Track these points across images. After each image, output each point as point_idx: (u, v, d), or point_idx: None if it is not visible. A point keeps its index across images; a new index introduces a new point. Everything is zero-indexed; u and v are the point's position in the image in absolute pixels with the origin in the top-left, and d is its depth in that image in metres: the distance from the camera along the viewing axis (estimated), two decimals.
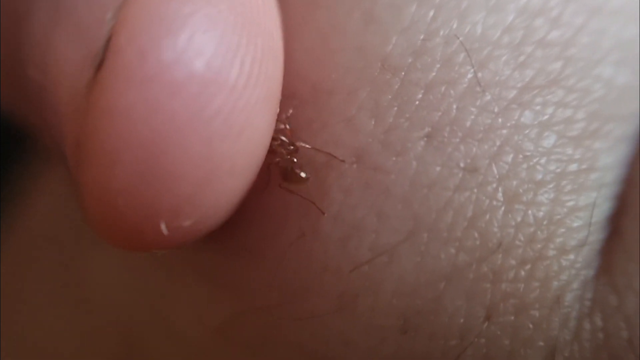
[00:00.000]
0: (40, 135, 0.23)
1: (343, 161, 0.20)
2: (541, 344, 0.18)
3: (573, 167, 0.19)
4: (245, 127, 0.18)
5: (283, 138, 0.20)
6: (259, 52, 0.18)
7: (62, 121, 0.19)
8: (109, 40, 0.17)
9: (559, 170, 0.19)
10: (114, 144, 0.17)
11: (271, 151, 0.20)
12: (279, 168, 0.20)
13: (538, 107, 0.19)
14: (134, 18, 0.17)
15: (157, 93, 0.17)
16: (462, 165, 0.19)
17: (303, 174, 0.20)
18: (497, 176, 0.19)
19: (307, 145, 0.20)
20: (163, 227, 0.17)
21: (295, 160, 0.20)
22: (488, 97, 0.19)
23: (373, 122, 0.19)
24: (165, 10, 0.17)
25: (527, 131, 0.19)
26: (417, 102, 0.19)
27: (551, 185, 0.19)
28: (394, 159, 0.19)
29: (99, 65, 0.17)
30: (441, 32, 0.19)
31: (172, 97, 0.17)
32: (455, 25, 0.20)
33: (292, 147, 0.20)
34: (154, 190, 0.17)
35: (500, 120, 0.19)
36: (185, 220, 0.18)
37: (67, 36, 0.18)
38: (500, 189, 0.19)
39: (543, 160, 0.19)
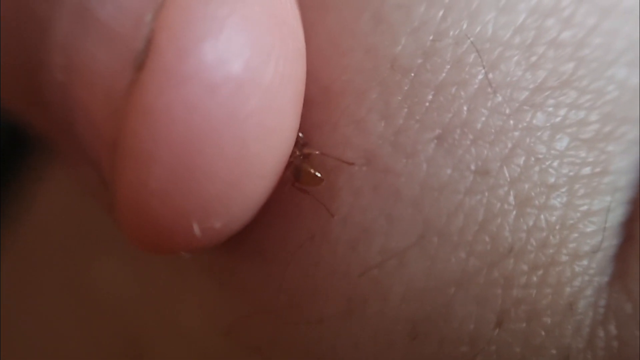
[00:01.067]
0: (50, 137, 0.23)
1: (353, 164, 0.19)
2: (553, 351, 0.18)
3: (586, 170, 0.19)
4: (277, 127, 0.18)
5: (299, 138, 0.20)
6: (290, 52, 0.18)
7: (94, 123, 0.19)
8: (148, 42, 0.18)
9: (572, 173, 0.19)
10: (152, 143, 0.17)
11: None
12: (293, 168, 0.20)
13: (550, 109, 0.19)
14: (174, 19, 0.17)
15: (195, 93, 0.17)
16: (473, 168, 0.19)
17: (318, 174, 0.20)
18: (509, 179, 0.19)
19: (316, 152, 0.20)
20: (195, 228, 0.18)
21: (308, 160, 0.20)
22: (499, 99, 0.19)
23: (383, 124, 0.19)
24: (203, 12, 0.17)
25: (539, 133, 0.19)
26: (427, 104, 0.19)
27: (564, 189, 0.19)
28: (404, 161, 0.19)
29: (139, 66, 0.18)
30: (451, 33, 0.19)
31: (209, 97, 0.17)
32: (465, 26, 0.19)
33: (305, 148, 0.20)
34: (189, 190, 0.17)
35: (511, 122, 0.19)
36: (217, 221, 0.18)
37: (99, 39, 0.19)
38: (511, 192, 0.19)
39: (556, 163, 0.19)
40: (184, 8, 0.17)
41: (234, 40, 0.17)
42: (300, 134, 0.20)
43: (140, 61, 0.18)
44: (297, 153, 0.20)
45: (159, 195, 0.17)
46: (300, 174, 0.20)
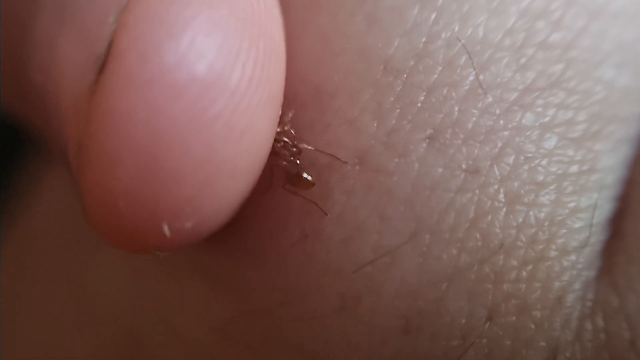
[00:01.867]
0: (42, 137, 0.23)
1: (345, 163, 0.20)
2: (543, 344, 0.18)
3: (574, 168, 0.19)
4: (246, 129, 0.18)
5: (286, 140, 0.20)
6: (260, 55, 0.18)
7: (63, 123, 0.19)
8: (111, 43, 0.17)
9: (560, 171, 0.19)
10: (115, 145, 0.17)
11: (274, 153, 0.20)
12: (284, 171, 0.20)
13: (539, 109, 0.19)
14: (136, 21, 0.17)
15: (158, 96, 0.17)
16: (464, 166, 0.19)
17: (309, 178, 0.20)
18: (499, 177, 0.19)
19: (310, 147, 0.20)
20: (165, 228, 0.18)
21: (298, 162, 0.20)
22: (490, 99, 0.19)
23: (375, 124, 0.20)
24: (166, 14, 0.17)
25: (528, 133, 0.19)
26: (419, 104, 0.19)
27: (552, 187, 0.19)
28: (396, 160, 0.19)
29: (101, 68, 0.17)
30: (443, 35, 0.20)
31: (173, 100, 0.17)
32: (457, 28, 0.20)
33: (295, 149, 0.20)
34: (155, 192, 0.17)
35: (501, 122, 0.19)
36: (187, 221, 0.18)
37: (69, 39, 0.19)
38: (501, 190, 0.19)
39: (544, 162, 0.19)
40: (147, 9, 0.17)
41: (197, 42, 0.17)
42: (286, 139, 0.20)
43: (101, 63, 0.17)
44: (287, 154, 0.20)
45: (125, 197, 0.17)
46: (292, 177, 0.20)
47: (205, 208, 0.18)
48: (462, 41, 0.19)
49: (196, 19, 0.17)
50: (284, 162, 0.20)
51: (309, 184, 0.20)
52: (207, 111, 0.17)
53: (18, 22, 0.20)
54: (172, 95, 0.17)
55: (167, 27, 0.17)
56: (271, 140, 0.19)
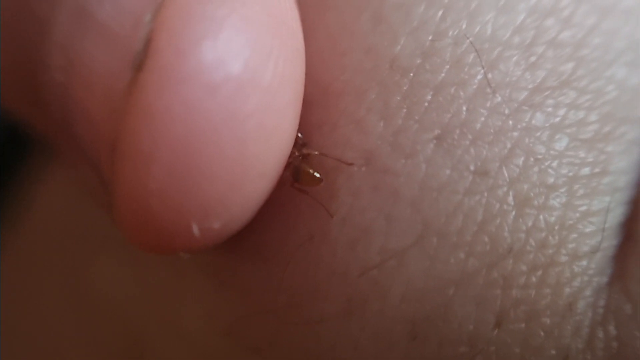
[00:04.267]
0: (53, 139, 0.23)
1: (352, 164, 0.19)
2: (553, 352, 0.18)
3: (585, 170, 0.19)
4: (276, 128, 0.18)
5: (299, 135, 0.20)
6: (289, 53, 0.18)
7: (93, 123, 0.19)
8: (148, 42, 0.18)
9: (571, 173, 0.19)
10: (151, 143, 0.17)
11: None
12: (292, 168, 0.20)
13: (550, 109, 0.19)
14: (173, 19, 0.17)
15: (194, 93, 0.17)
16: (472, 168, 0.19)
17: (317, 174, 0.20)
18: (508, 180, 0.19)
19: (315, 152, 0.20)
20: (195, 228, 0.18)
21: (307, 160, 0.20)
22: (498, 99, 0.19)
23: (382, 124, 0.19)
24: (202, 12, 0.17)
25: (538, 133, 0.19)
26: (426, 104, 0.19)
27: (563, 189, 0.19)
28: (403, 161, 0.19)
29: (138, 66, 0.18)
30: (450, 33, 0.19)
31: (209, 97, 0.17)
32: (464, 26, 0.19)
33: (304, 149, 0.20)
34: (188, 191, 0.17)
35: (511, 122, 0.19)
36: (216, 221, 0.18)
37: (98, 39, 0.19)
38: (511, 192, 0.19)
39: (555, 164, 0.19)
40: (183, 8, 0.17)
41: (233, 41, 0.17)
42: (300, 134, 0.20)
43: (139, 61, 0.18)
44: (297, 154, 0.20)
45: (158, 195, 0.17)
46: (300, 174, 0.20)
47: (234, 207, 0.18)
48: (470, 39, 0.19)
49: (230, 16, 0.17)
50: (292, 161, 0.20)
51: (317, 180, 0.20)
52: (241, 109, 0.17)
53: (34, 20, 0.20)
54: (209, 92, 0.17)
55: (203, 26, 0.17)
56: (293, 140, 0.19)
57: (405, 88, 0.19)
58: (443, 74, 0.19)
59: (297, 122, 0.19)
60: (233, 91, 0.17)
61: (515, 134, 0.19)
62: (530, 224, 0.19)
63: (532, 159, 0.19)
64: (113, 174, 0.18)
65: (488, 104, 0.19)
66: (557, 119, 0.19)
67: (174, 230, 0.18)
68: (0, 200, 0.31)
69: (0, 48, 0.21)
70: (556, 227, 0.19)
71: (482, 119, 0.19)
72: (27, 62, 0.21)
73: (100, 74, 0.19)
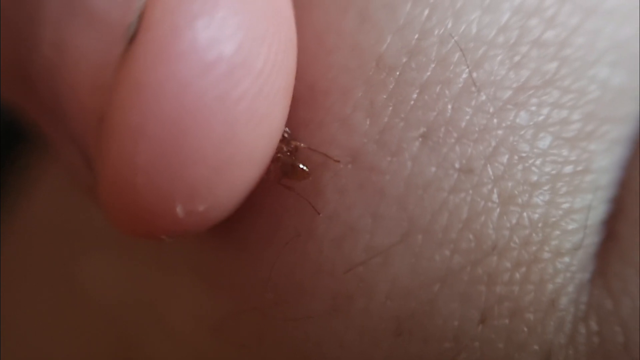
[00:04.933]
0: (38, 124, 0.22)
1: (338, 161, 0.19)
2: (536, 347, 0.18)
3: (568, 168, 0.19)
4: (266, 114, 0.18)
5: (285, 134, 0.20)
6: (282, 41, 0.18)
7: (81, 97, 0.19)
8: (142, 15, 0.17)
9: (554, 171, 0.19)
10: (140, 117, 0.17)
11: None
12: (280, 164, 0.20)
13: (533, 108, 0.19)
14: None
15: (187, 70, 0.17)
16: (457, 166, 0.19)
17: (305, 168, 0.20)
18: (493, 177, 0.19)
19: (303, 145, 0.20)
20: (179, 209, 0.18)
21: (295, 155, 0.20)
22: (483, 97, 0.19)
23: (368, 122, 0.19)
24: None
25: (522, 132, 0.19)
26: (412, 102, 0.19)
27: (546, 187, 0.19)
28: (389, 159, 0.19)
29: (130, 40, 0.17)
30: (436, 32, 0.19)
31: (201, 75, 0.17)
32: (450, 25, 0.19)
33: (293, 144, 0.20)
34: (174, 169, 0.17)
35: (495, 120, 0.19)
36: (201, 204, 0.18)
37: (89, 13, 0.19)
38: (495, 190, 0.19)
39: (538, 162, 0.19)
40: None
41: (228, 21, 0.17)
42: (287, 129, 0.20)
43: (132, 34, 0.17)
44: (284, 149, 0.20)
45: (144, 172, 0.17)
46: (288, 168, 0.20)
47: (220, 191, 0.18)
48: (455, 38, 0.19)
49: None
50: (280, 155, 0.20)
51: (305, 174, 0.20)
52: (233, 91, 0.17)
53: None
54: (201, 71, 0.17)
55: (200, 3, 0.17)
56: (282, 130, 0.19)
57: (391, 86, 0.19)
58: (429, 73, 0.19)
59: (286, 112, 0.19)
60: (225, 72, 0.17)
61: (500, 132, 0.19)
62: (514, 221, 0.19)
63: (516, 157, 0.19)
64: (99, 149, 0.18)
65: (473, 103, 0.19)
66: (541, 118, 0.19)
67: (158, 210, 0.18)
68: None
69: None
70: (539, 225, 0.19)
71: (467, 117, 0.19)
72: (16, 41, 0.20)
73: (91, 47, 0.18)
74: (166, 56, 0.17)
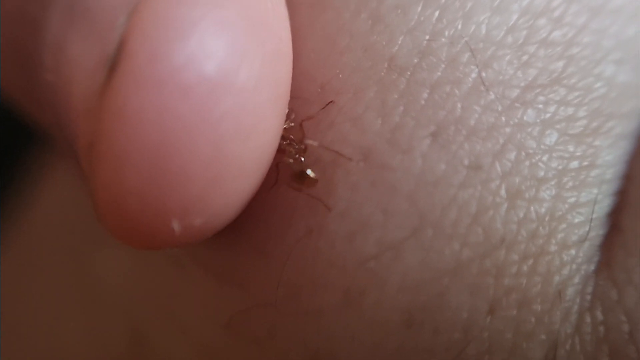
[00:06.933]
0: (50, 133, 0.23)
1: (350, 159, 0.20)
2: (543, 337, 0.19)
3: (574, 164, 0.19)
4: (253, 128, 0.18)
5: (292, 137, 0.20)
6: (267, 54, 0.18)
7: (74, 122, 0.19)
8: (121, 44, 0.17)
9: (560, 167, 0.19)
10: (124, 145, 0.17)
11: (280, 150, 0.20)
12: (292, 172, 0.20)
13: (540, 106, 0.19)
14: (145, 22, 0.17)
15: (167, 96, 0.17)
16: (466, 162, 0.19)
17: (313, 175, 0.20)
18: (500, 173, 0.19)
19: (315, 143, 0.20)
20: (175, 225, 0.18)
21: (303, 159, 0.20)
22: (492, 96, 0.19)
23: (379, 122, 0.20)
24: (175, 15, 0.17)
25: (529, 129, 0.19)
26: (422, 102, 0.20)
27: (553, 182, 0.19)
28: (400, 157, 0.19)
29: (112, 68, 0.17)
30: (446, 33, 0.20)
31: (181, 100, 0.17)
32: (460, 26, 0.20)
33: (300, 147, 0.20)
34: (164, 191, 0.17)
35: (503, 118, 0.19)
36: (196, 219, 0.18)
37: (80, 38, 0.19)
38: (503, 185, 0.19)
39: (545, 158, 0.19)
40: (156, 11, 0.17)
41: (206, 42, 0.17)
42: (297, 124, 0.20)
43: (113, 63, 0.17)
44: (293, 152, 0.20)
45: (136, 195, 0.17)
46: (297, 176, 0.20)
47: (214, 205, 0.18)
48: (466, 38, 0.20)
49: (204, 19, 0.17)
50: (289, 160, 0.20)
51: (312, 182, 0.20)
52: (215, 110, 0.17)
53: (29, 21, 0.20)
54: (181, 95, 0.17)
55: (176, 28, 0.17)
56: (278, 139, 0.19)
57: (402, 86, 0.20)
58: (439, 73, 0.20)
59: (280, 121, 0.19)
60: (206, 92, 0.17)
61: (508, 129, 0.19)
62: (521, 215, 0.19)
63: (523, 154, 0.19)
64: (90, 173, 0.18)
65: (482, 102, 0.19)
66: (548, 115, 0.19)
67: (155, 227, 0.18)
68: (3, 194, 0.31)
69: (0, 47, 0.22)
70: (546, 218, 0.19)
71: (476, 115, 0.19)
72: (26, 61, 0.21)
73: (79, 74, 0.19)
74: (145, 83, 0.17)
